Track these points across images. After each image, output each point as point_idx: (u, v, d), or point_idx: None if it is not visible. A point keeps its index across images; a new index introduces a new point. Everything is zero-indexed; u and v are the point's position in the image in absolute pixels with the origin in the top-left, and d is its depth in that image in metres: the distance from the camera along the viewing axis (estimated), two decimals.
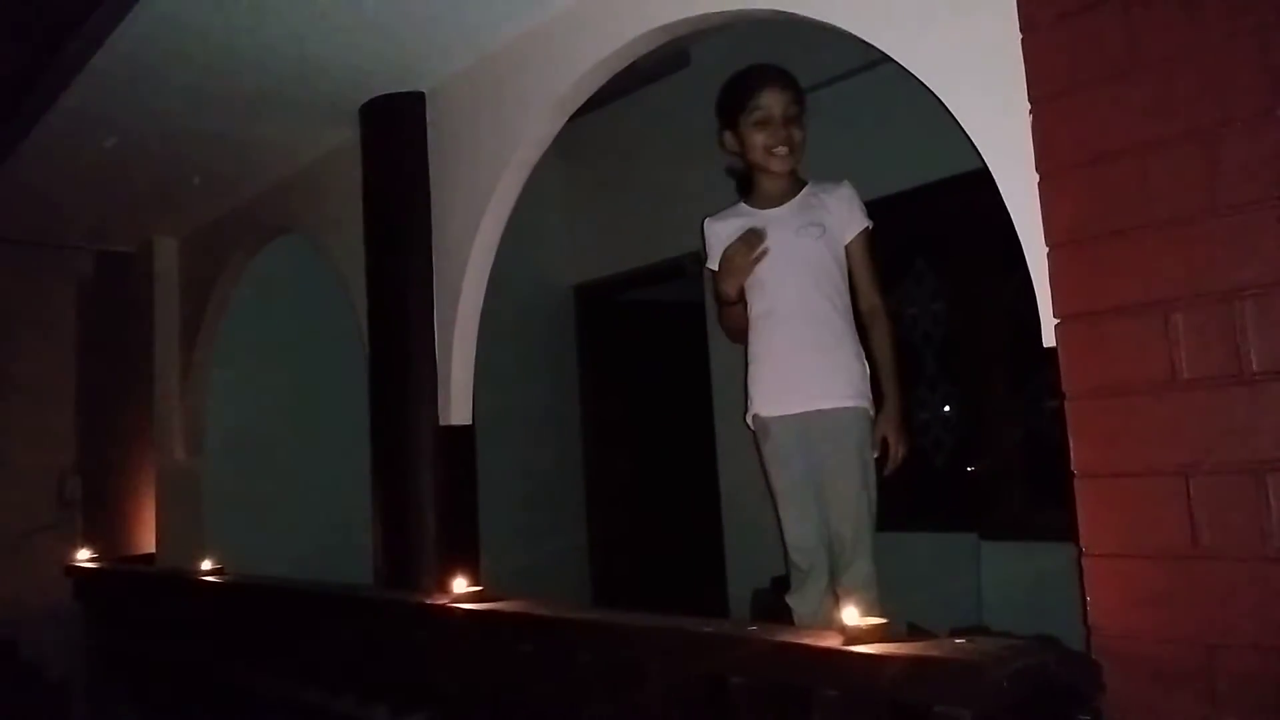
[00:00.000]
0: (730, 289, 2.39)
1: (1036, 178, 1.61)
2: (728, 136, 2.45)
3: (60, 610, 4.57)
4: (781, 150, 2.36)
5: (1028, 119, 1.62)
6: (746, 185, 2.49)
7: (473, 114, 3.02)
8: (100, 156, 3.62)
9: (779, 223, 2.37)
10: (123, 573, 4.41)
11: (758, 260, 2.34)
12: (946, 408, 3.71)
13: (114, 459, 5.08)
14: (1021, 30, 1.64)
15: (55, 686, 4.72)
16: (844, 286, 2.35)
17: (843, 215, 2.35)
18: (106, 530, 5.00)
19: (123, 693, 4.05)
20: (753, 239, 2.33)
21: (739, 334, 2.50)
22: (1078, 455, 1.54)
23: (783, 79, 2.40)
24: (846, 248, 2.36)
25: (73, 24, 2.84)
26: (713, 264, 2.46)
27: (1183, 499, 1.41)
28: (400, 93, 3.16)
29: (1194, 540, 1.40)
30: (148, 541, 4.69)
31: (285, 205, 4.02)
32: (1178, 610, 1.42)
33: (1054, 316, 1.58)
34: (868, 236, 2.36)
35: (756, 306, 2.39)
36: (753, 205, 2.45)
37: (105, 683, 4.26)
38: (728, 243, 2.39)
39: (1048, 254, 1.59)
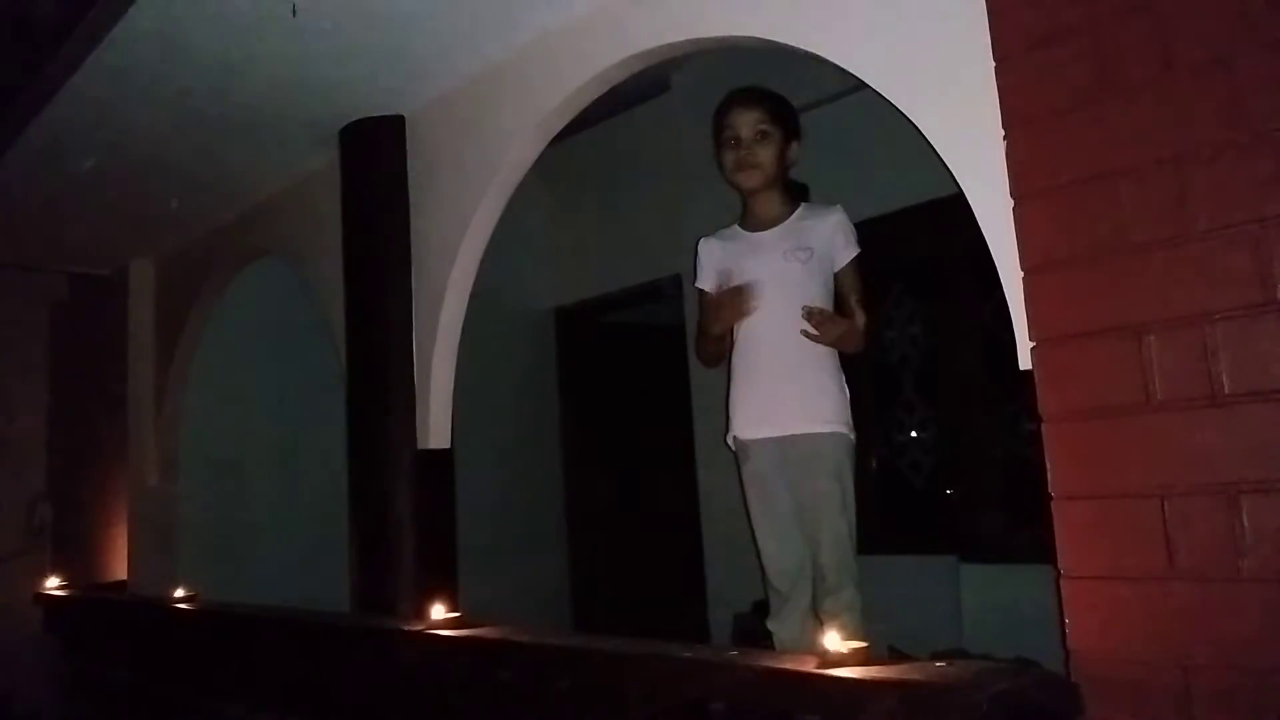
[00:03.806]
0: (718, 329, 2.41)
1: (1011, 203, 1.63)
2: (718, 162, 2.47)
3: (29, 639, 4.48)
4: (746, 167, 2.38)
5: (1002, 145, 1.64)
6: (743, 207, 2.50)
7: (453, 138, 3.02)
8: (76, 179, 3.60)
9: (767, 246, 2.38)
10: (94, 600, 4.34)
11: (745, 315, 2.34)
12: (925, 431, 3.73)
13: (85, 485, 5.01)
14: (995, 59, 1.67)
15: (24, 717, 4.62)
16: (829, 311, 2.35)
17: (833, 241, 2.35)
18: (77, 557, 4.92)
19: None
20: (746, 294, 2.33)
21: (712, 361, 2.52)
22: (1055, 478, 1.55)
23: (751, 98, 2.42)
24: (836, 275, 2.37)
25: (50, 45, 2.84)
26: (701, 283, 2.49)
27: (1158, 521, 1.42)
28: (380, 116, 3.16)
29: (1170, 562, 1.41)
30: (119, 569, 4.61)
31: (263, 228, 4.00)
32: (1155, 632, 1.42)
33: (1029, 340, 1.60)
34: (858, 263, 2.37)
35: (741, 328, 2.40)
36: (745, 228, 2.46)
37: (76, 713, 4.18)
38: (719, 265, 2.43)
39: (1023, 278, 1.61)
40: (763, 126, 2.38)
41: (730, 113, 2.41)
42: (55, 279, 5.22)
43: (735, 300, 2.34)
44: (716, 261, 2.46)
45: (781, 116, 2.42)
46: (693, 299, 3.20)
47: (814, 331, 2.23)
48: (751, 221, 2.46)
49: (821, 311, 2.24)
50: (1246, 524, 1.35)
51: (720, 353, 2.48)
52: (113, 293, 4.79)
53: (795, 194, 2.48)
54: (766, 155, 2.38)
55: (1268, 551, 1.33)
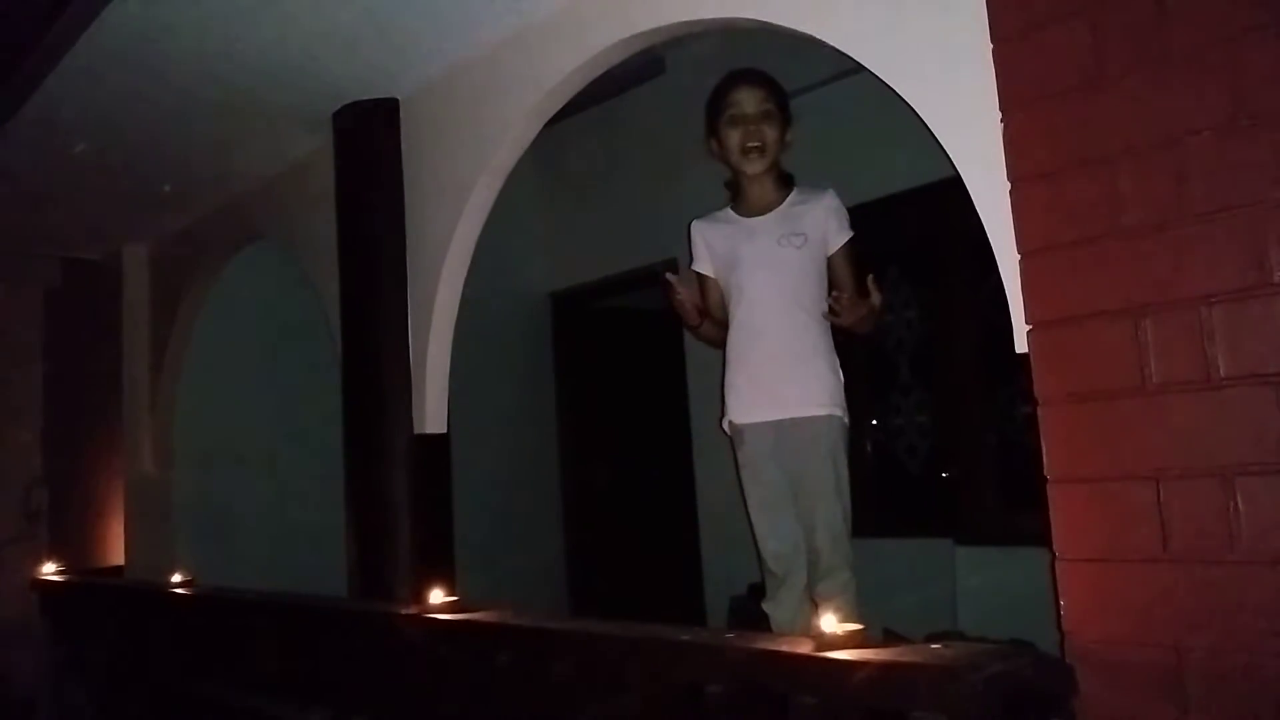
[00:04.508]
0: (687, 321, 2.47)
1: (1008, 186, 1.63)
2: (712, 143, 2.46)
3: (26, 624, 4.48)
4: (754, 146, 2.37)
5: (999, 128, 1.64)
6: (734, 191, 2.50)
7: (447, 121, 3.00)
8: (69, 163, 3.58)
9: (761, 231, 2.38)
10: (90, 586, 4.34)
11: (683, 301, 2.40)
12: (921, 414, 3.73)
13: (81, 470, 5.00)
14: (993, 40, 1.66)
15: (21, 702, 4.63)
16: (822, 296, 2.35)
17: (826, 226, 2.36)
18: (73, 543, 4.92)
19: (91, 708, 3.97)
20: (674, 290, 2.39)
21: (711, 344, 2.54)
22: (1050, 461, 1.55)
23: (756, 78, 2.42)
24: (830, 259, 2.37)
25: (41, 28, 2.81)
26: (697, 266, 2.50)
27: (1153, 503, 1.43)
28: (374, 99, 3.14)
29: (1164, 544, 1.42)
30: (116, 554, 4.62)
31: (257, 212, 3.98)
32: (1149, 614, 1.43)
33: (1026, 323, 1.60)
34: (850, 247, 2.38)
35: (735, 314, 2.41)
36: (738, 212, 2.46)
37: (72, 698, 4.19)
38: (715, 249, 2.45)
39: (1019, 261, 1.61)
40: (767, 105, 2.38)
41: (735, 90, 2.40)
42: (48, 264, 5.20)
43: (676, 301, 2.40)
44: (712, 245, 2.46)
45: (781, 99, 2.43)
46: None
47: (836, 312, 2.24)
48: (744, 206, 2.45)
49: (848, 298, 2.25)
50: (1241, 507, 1.35)
51: (711, 334, 2.49)
52: (106, 278, 4.76)
53: (787, 180, 2.48)
54: (772, 135, 2.38)
55: (1261, 534, 1.34)
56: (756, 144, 2.36)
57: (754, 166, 2.39)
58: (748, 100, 2.38)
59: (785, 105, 2.44)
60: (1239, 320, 1.37)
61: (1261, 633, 1.33)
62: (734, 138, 2.38)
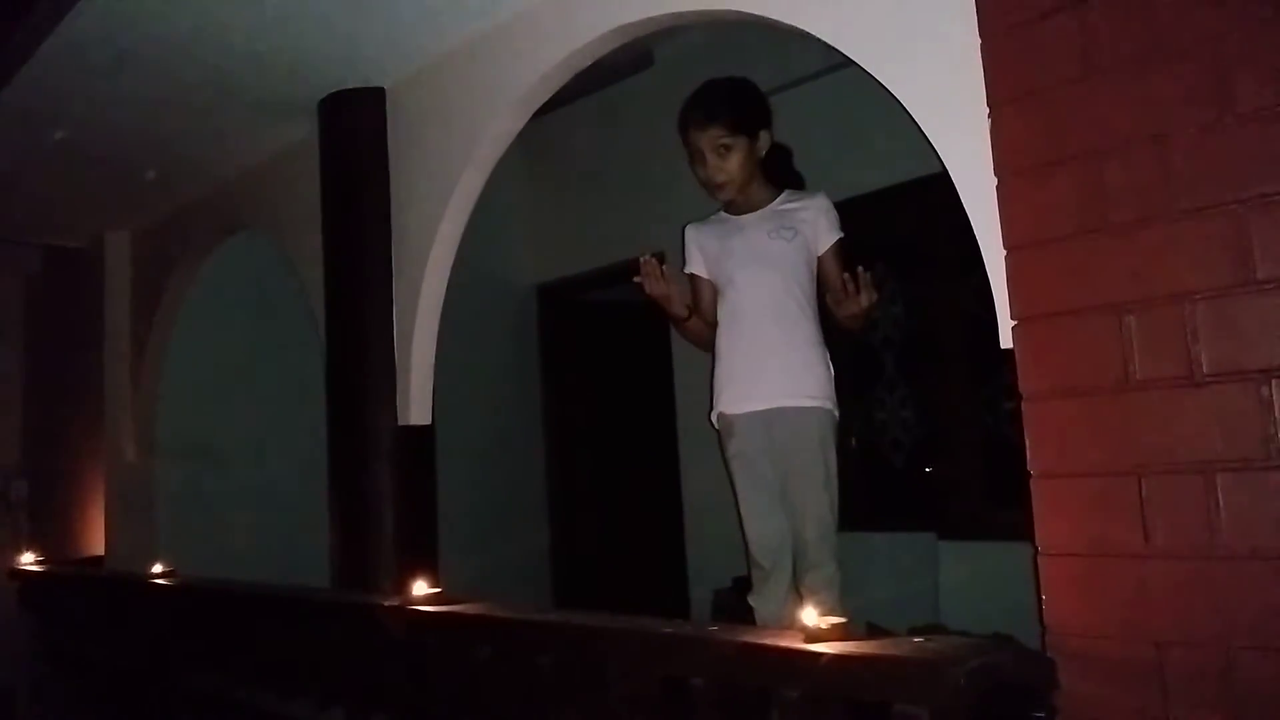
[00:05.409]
0: (672, 312, 2.44)
1: (995, 181, 1.63)
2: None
3: (4, 615, 4.45)
4: (715, 186, 2.39)
5: (986, 123, 1.64)
6: None
7: (434, 111, 2.99)
8: (50, 149, 3.54)
9: (753, 225, 2.40)
10: (70, 576, 4.31)
11: (663, 285, 2.35)
12: (906, 409, 3.74)
13: (62, 460, 4.96)
14: (981, 35, 1.66)
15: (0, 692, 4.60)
16: (813, 291, 2.37)
17: (817, 225, 2.36)
18: (53, 533, 4.88)
19: (70, 700, 3.95)
20: (647, 269, 2.35)
21: (699, 344, 2.53)
22: (1033, 456, 1.56)
23: (707, 114, 2.36)
24: (819, 258, 2.38)
25: (19, 13, 2.77)
26: (690, 268, 2.50)
27: (1135, 499, 1.43)
28: (360, 88, 3.12)
29: (1146, 539, 1.42)
30: (96, 544, 4.59)
31: (242, 201, 3.95)
32: (1130, 608, 1.44)
33: (1011, 319, 1.60)
34: (840, 247, 2.38)
35: (726, 304, 2.41)
36: (729, 212, 2.47)
37: (52, 690, 4.16)
38: (705, 248, 2.45)
39: (1005, 256, 1.61)
40: (723, 141, 2.34)
41: (689, 132, 2.39)
42: (29, 251, 5.15)
43: (647, 280, 2.35)
44: (705, 245, 2.47)
45: (742, 120, 2.36)
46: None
47: (850, 292, 2.21)
48: (735, 208, 2.46)
49: (866, 276, 2.21)
50: (1222, 503, 1.36)
51: (699, 332, 2.49)
52: (88, 265, 4.72)
53: (779, 169, 2.49)
54: (733, 167, 2.37)
55: (1242, 530, 1.34)
56: (718, 181, 2.38)
57: (721, 196, 2.43)
58: (702, 141, 2.36)
59: (750, 120, 2.38)
60: (1222, 317, 1.38)
61: (1242, 627, 1.34)
62: (698, 174, 2.42)
